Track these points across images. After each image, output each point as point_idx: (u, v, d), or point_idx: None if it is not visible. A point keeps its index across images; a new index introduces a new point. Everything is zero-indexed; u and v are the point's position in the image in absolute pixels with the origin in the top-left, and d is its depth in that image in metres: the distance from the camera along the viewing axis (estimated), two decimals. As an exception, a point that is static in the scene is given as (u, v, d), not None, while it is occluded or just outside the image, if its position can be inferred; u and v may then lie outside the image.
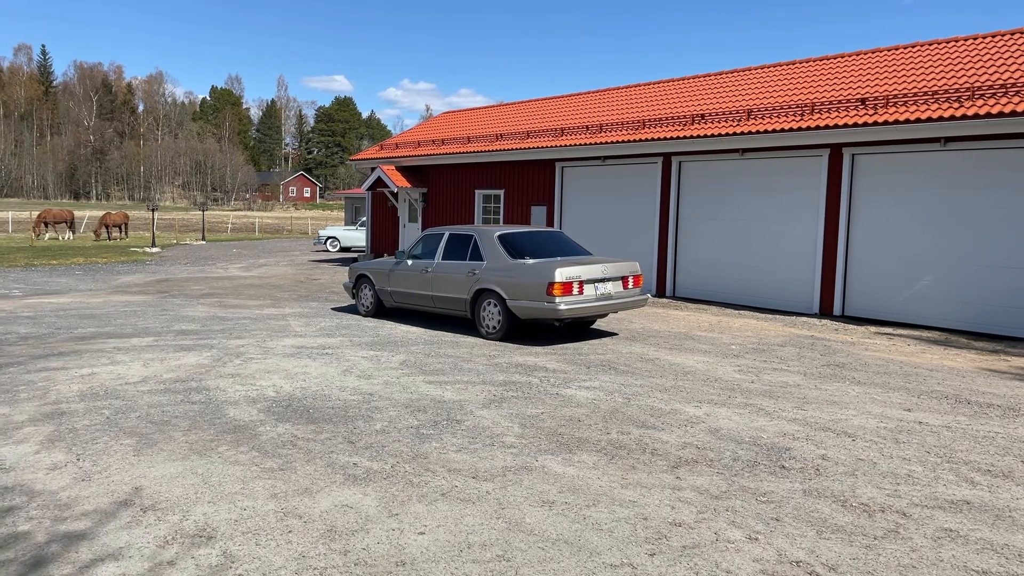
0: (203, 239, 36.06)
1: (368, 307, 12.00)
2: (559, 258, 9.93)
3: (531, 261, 9.72)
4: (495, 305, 9.89)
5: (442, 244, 10.84)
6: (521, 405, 6.52)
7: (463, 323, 11.08)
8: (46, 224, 32.94)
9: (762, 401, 6.77)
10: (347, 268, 12.84)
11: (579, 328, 10.92)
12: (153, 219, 32.06)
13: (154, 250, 28.02)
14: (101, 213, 44.94)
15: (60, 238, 33.65)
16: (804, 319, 12.23)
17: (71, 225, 33.91)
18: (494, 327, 9.93)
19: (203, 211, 41.30)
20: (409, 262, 11.21)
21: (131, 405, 6.39)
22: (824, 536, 3.95)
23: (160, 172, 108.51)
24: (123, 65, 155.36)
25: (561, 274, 9.21)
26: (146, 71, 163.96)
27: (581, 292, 9.38)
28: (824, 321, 12.02)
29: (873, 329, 11.25)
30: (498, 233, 10.30)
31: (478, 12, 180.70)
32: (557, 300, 9.16)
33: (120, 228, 34.50)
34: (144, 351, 8.76)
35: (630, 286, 10.07)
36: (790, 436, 5.71)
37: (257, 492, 4.48)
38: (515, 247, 10.05)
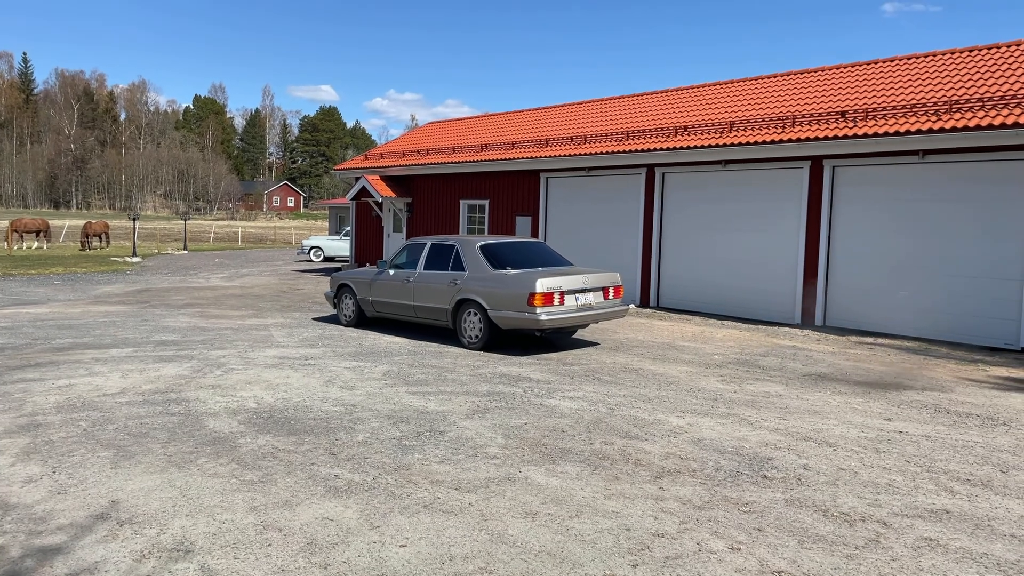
0: (185, 249, 35.75)
1: (350, 317, 11.93)
2: (540, 268, 9.92)
3: (512, 271, 9.70)
4: (476, 315, 9.87)
5: (424, 254, 10.81)
6: (505, 416, 6.50)
7: (447, 333, 11.04)
8: (19, 234, 32.46)
9: (745, 411, 6.80)
10: (330, 278, 12.79)
11: (560, 338, 10.95)
12: (134, 228, 31.74)
13: (135, 260, 27.73)
14: (81, 222, 44.46)
15: (30, 247, 33.17)
16: (786, 329, 12.32)
17: (46, 235, 33.45)
18: (475, 337, 9.92)
19: (185, 220, 40.94)
20: (391, 272, 11.19)
21: (109, 417, 6.30)
22: (806, 546, 3.96)
23: (142, 181, 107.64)
24: (105, 73, 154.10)
25: (542, 284, 9.21)
26: (129, 79, 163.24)
27: (562, 302, 9.39)
28: (806, 331, 12.11)
29: (854, 339, 11.35)
30: (480, 243, 10.29)
31: (466, 26, 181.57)
32: (538, 310, 9.16)
33: (100, 237, 34.12)
34: (123, 362, 8.65)
35: (611, 296, 10.10)
36: (772, 446, 5.73)
37: (236, 505, 4.43)
38: (497, 257, 10.04)
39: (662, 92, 18.61)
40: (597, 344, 10.56)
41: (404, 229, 21.77)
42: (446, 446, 5.62)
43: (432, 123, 27.08)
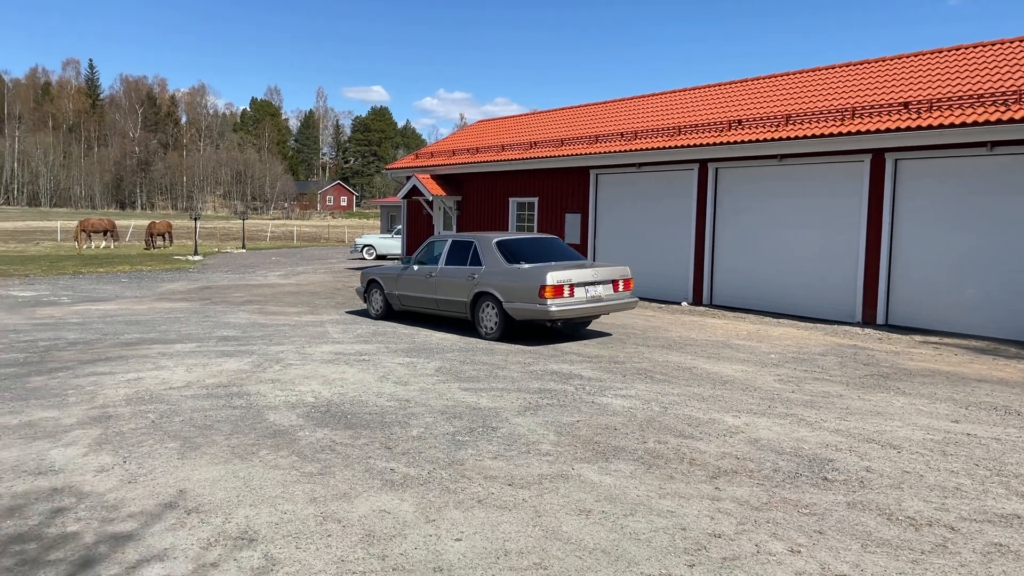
0: (243, 247, 36.77)
1: (378, 310, 12.56)
2: (552, 263, 10.40)
3: (526, 266, 10.21)
4: (492, 307, 10.42)
5: (445, 250, 11.39)
6: (556, 413, 6.50)
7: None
8: (87, 233, 33.81)
9: (803, 411, 6.65)
10: (360, 273, 13.36)
11: (575, 328, 11.29)
12: (196, 228, 32.80)
13: (196, 258, 28.65)
14: (145, 222, 46.17)
15: (98, 246, 34.52)
16: (846, 328, 11.98)
17: (113, 234, 34.78)
18: (492, 327, 10.48)
19: (243, 220, 42.20)
20: (415, 267, 11.79)
21: (175, 409, 6.54)
22: (869, 550, 3.86)
23: (202, 182, 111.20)
24: (167, 78, 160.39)
25: (552, 278, 9.68)
26: (189, 83, 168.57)
27: (572, 295, 9.87)
28: (867, 330, 11.76)
29: (918, 338, 10.97)
30: (496, 240, 10.80)
31: (514, 24, 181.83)
32: (549, 302, 9.65)
33: (164, 236, 35.36)
34: (187, 357, 8.96)
35: (620, 289, 10.53)
36: (833, 447, 5.59)
37: (297, 496, 4.55)
38: (512, 253, 10.57)
39: (715, 86, 18.29)
40: (648, 342, 10.46)
41: (454, 227, 21.93)
42: (499, 442, 5.65)
43: (481, 121, 27.21)
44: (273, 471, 4.98)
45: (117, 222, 42.74)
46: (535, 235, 11.62)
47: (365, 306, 13.58)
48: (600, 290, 10.21)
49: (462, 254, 11.04)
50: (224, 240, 44.01)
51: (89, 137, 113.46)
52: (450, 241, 11.42)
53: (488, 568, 3.63)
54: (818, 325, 12.30)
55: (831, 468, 5.12)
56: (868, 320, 12.30)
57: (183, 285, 18.43)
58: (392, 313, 12.52)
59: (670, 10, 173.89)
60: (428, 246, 11.88)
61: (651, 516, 4.27)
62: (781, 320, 12.89)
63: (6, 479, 4.82)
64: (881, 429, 6.09)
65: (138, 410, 6.51)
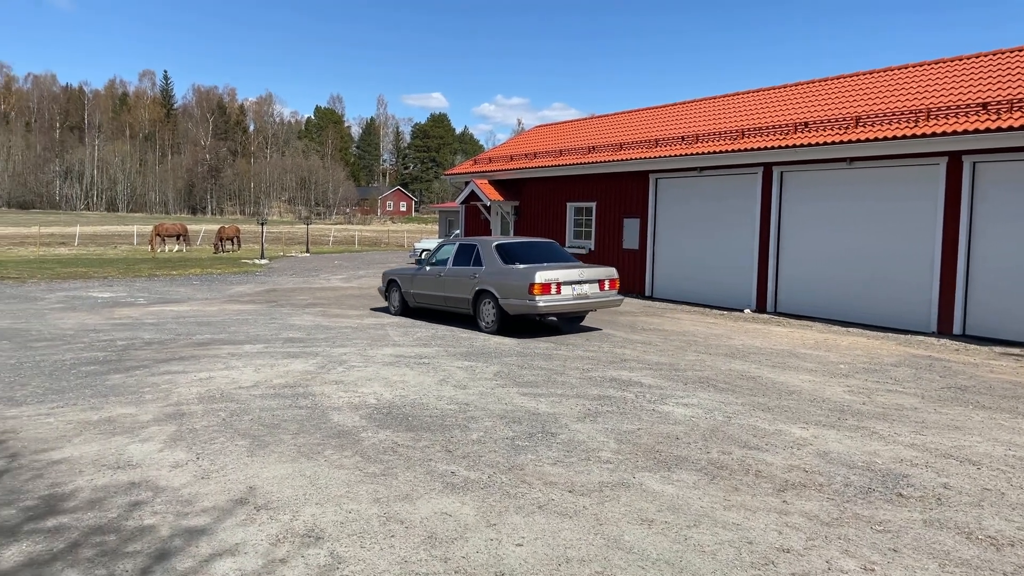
0: (307, 251, 37.72)
1: (397, 307, 13.72)
2: (544, 264, 11.31)
3: (520, 266, 11.16)
4: (491, 303, 11.42)
5: (453, 252, 12.48)
6: (616, 420, 6.44)
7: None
8: (161, 238, 35.24)
9: (875, 424, 6.41)
10: (382, 274, 14.32)
11: (568, 323, 12.39)
12: (262, 233, 33.81)
13: (263, 262, 29.53)
14: (215, 227, 47.87)
15: (172, 250, 35.93)
16: (920, 338, 11.51)
17: (185, 238, 36.14)
18: (491, 322, 11.44)
19: (307, 225, 43.31)
20: (427, 268, 12.89)
21: (245, 408, 6.74)
22: (947, 570, 3.68)
23: (268, 188, 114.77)
24: (236, 88, 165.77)
25: (541, 277, 10.67)
26: (256, 93, 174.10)
27: (559, 292, 10.79)
28: (943, 340, 11.26)
29: (998, 350, 10.45)
30: (496, 243, 11.83)
31: (571, 33, 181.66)
32: (537, 298, 10.63)
33: (233, 241, 36.58)
34: (255, 357, 9.23)
35: (606, 288, 11.44)
36: (908, 462, 5.37)
37: (361, 496, 4.62)
38: (509, 255, 11.56)
39: (780, 88, 17.86)
40: (710, 350, 10.26)
41: (511, 232, 22.00)
42: (558, 448, 5.63)
43: (539, 127, 27.24)
44: (338, 471, 5.08)
45: (189, 227, 44.43)
46: (534, 240, 12.50)
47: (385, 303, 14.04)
48: (587, 288, 11.12)
49: (467, 256, 12.06)
50: (289, 244, 45.24)
51: (163, 145, 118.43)
52: (457, 244, 12.50)
53: (550, 575, 3.61)
54: (889, 334, 11.85)
55: (906, 484, 4.91)
56: (944, 330, 11.78)
57: (251, 288, 19.02)
58: (408, 309, 13.55)
59: (725, 16, 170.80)
60: (439, 249, 13.00)
61: (716, 528, 4.18)
62: (850, 329, 12.46)
63: (87, 472, 5.06)
64: (959, 444, 5.82)
65: (210, 408, 6.74)
